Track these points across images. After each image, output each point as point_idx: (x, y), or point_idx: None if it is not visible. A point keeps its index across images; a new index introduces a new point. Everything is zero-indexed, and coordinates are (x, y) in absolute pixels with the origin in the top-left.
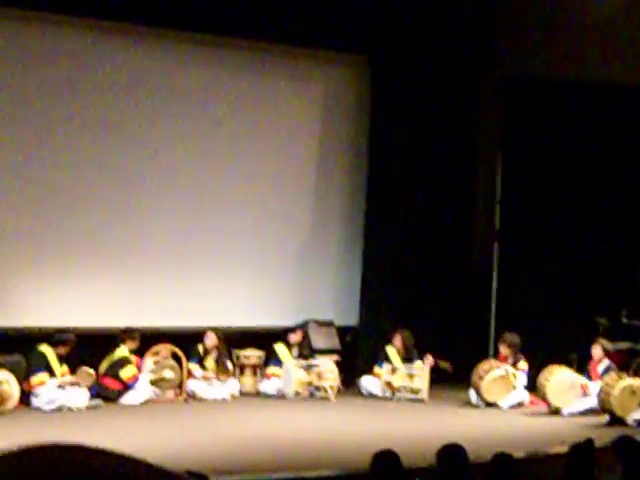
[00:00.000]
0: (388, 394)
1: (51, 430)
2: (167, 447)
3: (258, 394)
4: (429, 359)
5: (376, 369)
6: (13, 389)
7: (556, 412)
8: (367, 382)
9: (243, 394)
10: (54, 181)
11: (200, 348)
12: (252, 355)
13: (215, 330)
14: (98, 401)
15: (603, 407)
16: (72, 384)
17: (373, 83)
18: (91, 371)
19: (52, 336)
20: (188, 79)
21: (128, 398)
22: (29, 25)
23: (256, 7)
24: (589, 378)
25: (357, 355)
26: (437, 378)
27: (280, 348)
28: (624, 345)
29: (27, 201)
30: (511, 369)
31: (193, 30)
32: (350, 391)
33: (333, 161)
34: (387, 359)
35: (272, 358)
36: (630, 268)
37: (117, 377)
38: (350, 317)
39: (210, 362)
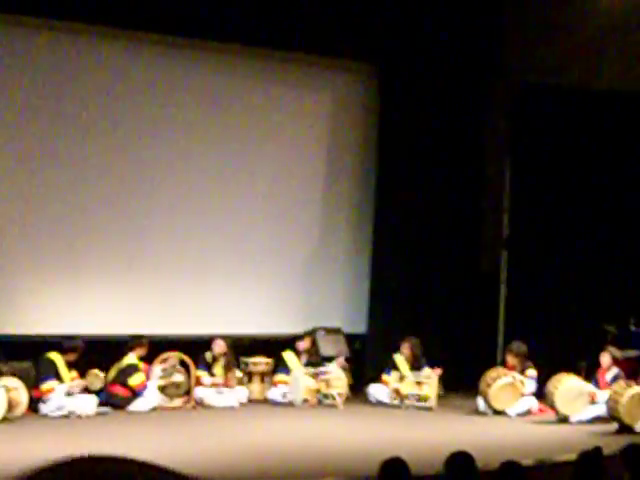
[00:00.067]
0: (396, 402)
1: (59, 437)
2: (175, 454)
3: (266, 401)
4: (438, 371)
5: (384, 377)
6: (22, 396)
7: (564, 420)
8: (375, 390)
9: (251, 401)
10: (63, 190)
11: (208, 355)
12: (260, 362)
13: (223, 337)
14: (106, 408)
15: (611, 415)
16: (81, 389)
17: (381, 90)
18: (100, 373)
19: (61, 343)
20: (197, 86)
21: (136, 405)
22: (42, 32)
23: (265, 15)
24: (597, 386)
25: (365, 363)
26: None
27: (288, 356)
28: (633, 353)
29: (36, 209)
30: (519, 376)
31: (202, 37)
32: (358, 399)
33: (341, 168)
34: (395, 367)
35: (280, 366)
36: (639, 276)
37: (125, 384)
38: (358, 325)
39: (218, 369)
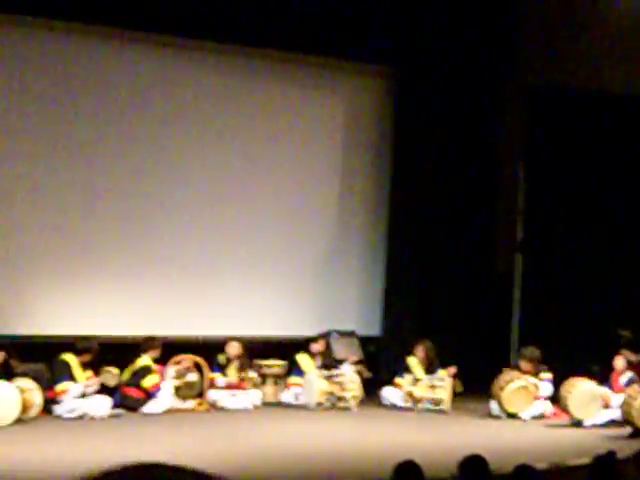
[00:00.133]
0: (410, 405)
1: (73, 438)
2: (188, 456)
3: (280, 404)
4: (452, 369)
5: (397, 380)
6: (36, 397)
7: (578, 424)
8: (389, 393)
9: (265, 404)
10: (75, 192)
11: (222, 358)
12: (274, 365)
13: (238, 339)
14: (120, 410)
15: (625, 419)
16: (96, 387)
17: (396, 93)
18: (114, 370)
19: (75, 344)
20: (212, 88)
21: (150, 407)
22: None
23: (281, 18)
24: (611, 390)
25: (379, 365)
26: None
27: (302, 358)
28: None
29: (50, 212)
30: (533, 379)
31: (219, 40)
32: (372, 402)
33: (356, 171)
34: (408, 370)
35: (294, 368)
36: None
37: (139, 386)
38: (372, 327)
39: (232, 371)
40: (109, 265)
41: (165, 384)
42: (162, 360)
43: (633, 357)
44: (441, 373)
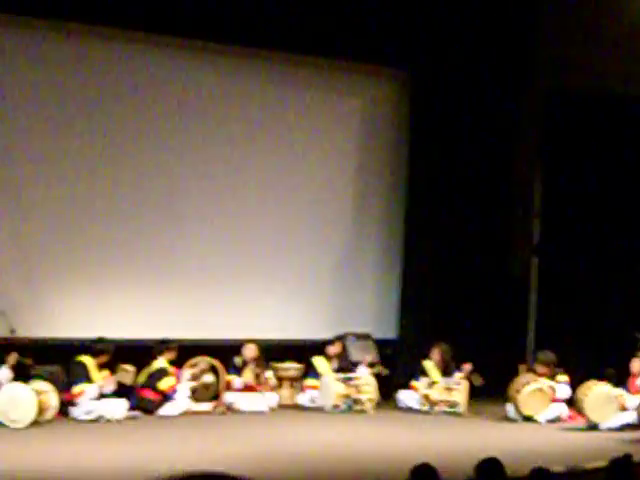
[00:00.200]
0: (426, 408)
1: (89, 441)
2: (204, 458)
3: (296, 407)
4: (467, 368)
5: (413, 383)
6: (52, 400)
7: (594, 427)
8: (405, 396)
9: (281, 406)
10: (91, 194)
11: (238, 360)
12: (290, 368)
13: (254, 342)
14: (136, 412)
15: None
16: (112, 386)
17: (412, 96)
18: (130, 368)
19: (91, 346)
20: (225, 91)
21: (166, 409)
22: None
23: (296, 20)
24: (628, 393)
25: (396, 368)
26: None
27: (318, 361)
28: None
29: (66, 214)
30: (548, 382)
31: (232, 43)
32: (388, 405)
33: (372, 174)
34: (424, 373)
35: (310, 371)
36: None
37: (155, 388)
38: (388, 330)
39: (248, 374)
40: (126, 268)
41: (181, 386)
42: (178, 362)
43: None
44: (457, 376)
